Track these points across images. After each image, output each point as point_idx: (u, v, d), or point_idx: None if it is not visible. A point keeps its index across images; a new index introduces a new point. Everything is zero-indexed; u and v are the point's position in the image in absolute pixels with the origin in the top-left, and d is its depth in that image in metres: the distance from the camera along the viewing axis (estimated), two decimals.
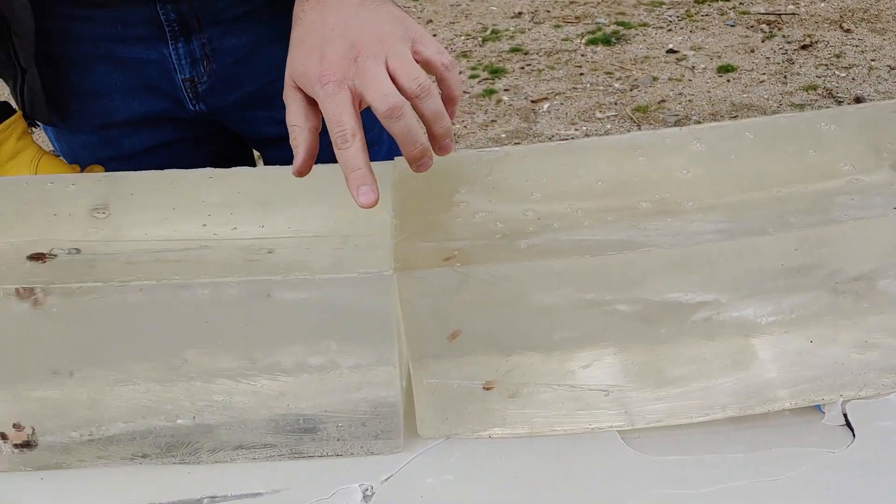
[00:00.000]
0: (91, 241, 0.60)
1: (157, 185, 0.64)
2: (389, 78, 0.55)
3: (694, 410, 0.61)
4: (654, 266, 0.56)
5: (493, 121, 2.72)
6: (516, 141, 2.57)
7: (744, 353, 0.60)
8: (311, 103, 0.58)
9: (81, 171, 0.84)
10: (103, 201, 0.64)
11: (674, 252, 0.55)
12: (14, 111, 0.76)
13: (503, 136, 2.62)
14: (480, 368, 0.59)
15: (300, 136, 0.58)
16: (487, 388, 0.59)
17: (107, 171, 0.88)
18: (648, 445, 0.60)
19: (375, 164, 0.66)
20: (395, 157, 0.67)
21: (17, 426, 0.59)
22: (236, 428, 0.60)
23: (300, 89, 0.58)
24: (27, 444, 0.60)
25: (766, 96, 2.72)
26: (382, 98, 0.54)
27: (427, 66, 0.58)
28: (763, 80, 2.82)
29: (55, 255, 0.59)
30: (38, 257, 0.58)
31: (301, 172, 0.59)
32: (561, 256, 0.55)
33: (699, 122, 2.59)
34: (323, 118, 0.57)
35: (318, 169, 0.61)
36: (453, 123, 0.58)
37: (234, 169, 0.67)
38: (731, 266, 0.57)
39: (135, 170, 0.91)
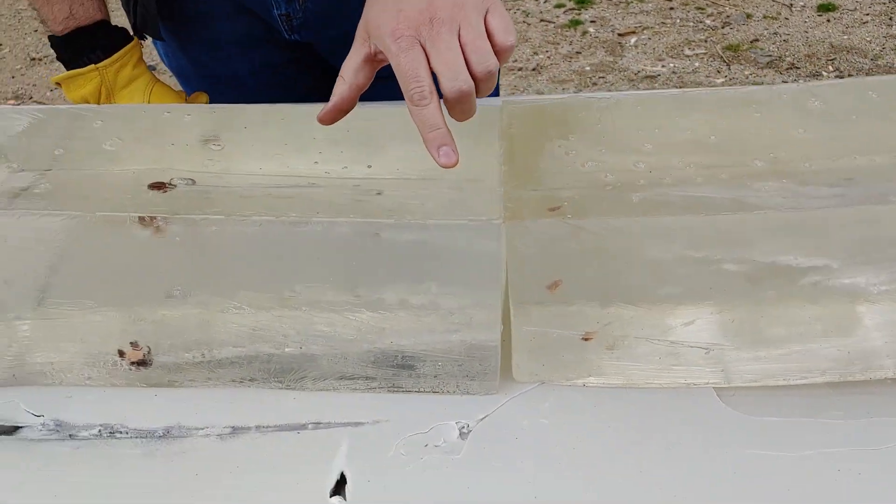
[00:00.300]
0: (207, 173, 0.62)
1: (269, 119, 0.65)
2: (462, 52, 0.53)
3: (793, 373, 0.61)
4: (768, 228, 0.55)
5: (577, 52, 2.66)
6: (601, 75, 2.51)
7: (850, 319, 0.59)
8: (369, 62, 0.58)
9: (187, 98, 0.86)
10: (217, 133, 0.65)
11: (790, 215, 0.54)
12: (131, 38, 0.78)
13: (587, 68, 2.56)
14: (580, 318, 0.59)
15: (340, 88, 0.58)
16: (586, 339, 0.60)
17: (211, 91, 0.91)
18: (744, 405, 0.60)
19: (481, 108, 0.66)
20: (502, 100, 0.67)
21: (134, 345, 0.63)
22: (339, 359, 0.62)
23: (367, 43, 0.58)
24: (143, 363, 0.63)
25: (868, 38, 2.59)
26: (453, 80, 0.52)
27: (488, 38, 0.55)
28: (866, 21, 2.68)
29: (174, 186, 0.60)
30: (158, 186, 0.60)
31: (322, 120, 0.58)
32: (674, 213, 0.55)
33: (794, 64, 2.49)
34: (374, 78, 0.56)
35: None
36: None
37: None
38: (848, 233, 0.55)
39: (238, 92, 0.94)
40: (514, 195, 0.57)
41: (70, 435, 0.61)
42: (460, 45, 0.53)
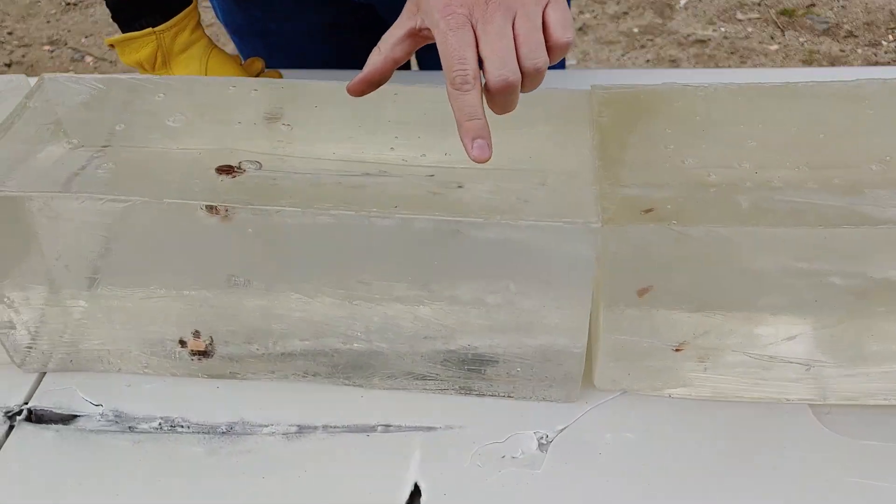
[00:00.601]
0: (275, 156, 0.58)
1: (341, 98, 0.60)
2: (513, 41, 0.49)
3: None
4: (884, 242, 0.51)
5: (624, 13, 2.57)
6: (649, 37, 2.43)
7: None
8: (412, 37, 0.54)
9: (242, 62, 0.82)
10: (286, 111, 0.61)
11: None
12: (190, 2, 0.73)
13: (635, 30, 2.47)
14: (671, 326, 0.55)
15: (374, 58, 0.55)
16: (678, 350, 0.56)
17: (265, 50, 0.87)
18: (841, 424, 0.56)
19: (568, 92, 0.62)
20: (591, 86, 0.62)
21: (196, 334, 0.60)
22: (409, 357, 0.59)
23: (416, 17, 0.53)
24: (205, 353, 0.60)
25: None
26: (500, 68, 0.48)
27: (543, 31, 0.51)
28: None
29: (243, 171, 0.57)
30: (227, 170, 0.57)
31: (350, 91, 0.56)
32: (786, 224, 0.50)
33: (852, 33, 2.39)
34: (415, 54, 0.52)
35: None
36: None
37: (418, 85, 0.63)
38: None
39: (293, 52, 0.89)
40: (608, 193, 0.53)
41: (130, 427, 0.59)
42: (513, 34, 0.49)
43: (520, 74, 0.49)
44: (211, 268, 0.57)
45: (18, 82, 0.64)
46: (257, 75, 0.81)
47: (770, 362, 0.56)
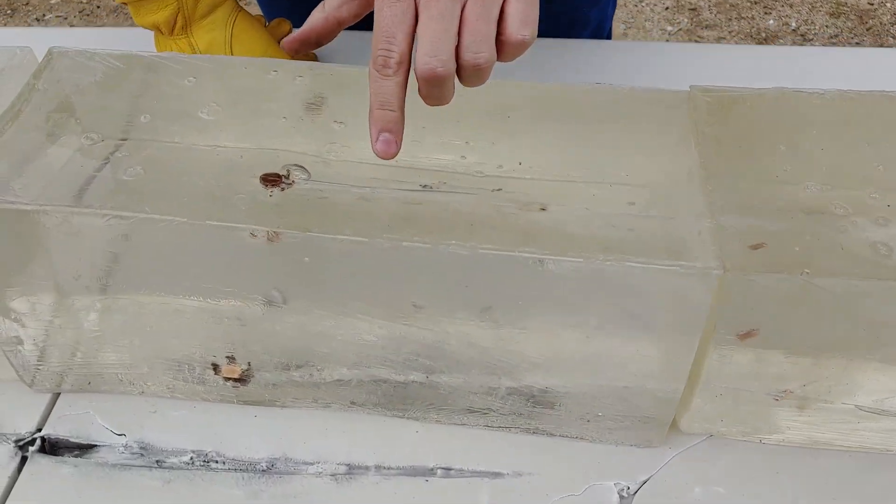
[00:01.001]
0: (324, 160, 0.50)
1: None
2: (458, 26, 0.42)
3: None
4: None
5: None
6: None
7: None
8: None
9: (267, 24, 0.73)
10: (332, 102, 0.53)
11: None
12: None
13: None
14: (777, 374, 0.49)
15: (315, 16, 0.53)
16: (780, 398, 0.50)
17: (292, 10, 0.77)
18: None
19: (662, 94, 0.54)
20: (690, 87, 0.54)
21: (230, 359, 0.53)
22: (470, 391, 0.52)
23: None
24: (240, 380, 0.53)
25: None
26: (430, 55, 0.42)
27: (499, 23, 0.43)
28: None
29: (291, 182, 0.49)
30: (272, 181, 0.49)
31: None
32: None
33: None
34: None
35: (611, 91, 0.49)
36: None
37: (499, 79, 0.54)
38: None
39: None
40: (717, 220, 0.46)
41: (157, 461, 0.52)
42: (460, 19, 0.42)
43: (453, 66, 0.42)
44: (246, 285, 0.49)
45: (24, 57, 0.55)
46: (282, 38, 0.72)
47: (879, 415, 0.50)
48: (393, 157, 0.44)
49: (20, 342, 0.53)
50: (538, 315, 0.49)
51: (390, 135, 0.44)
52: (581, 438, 0.53)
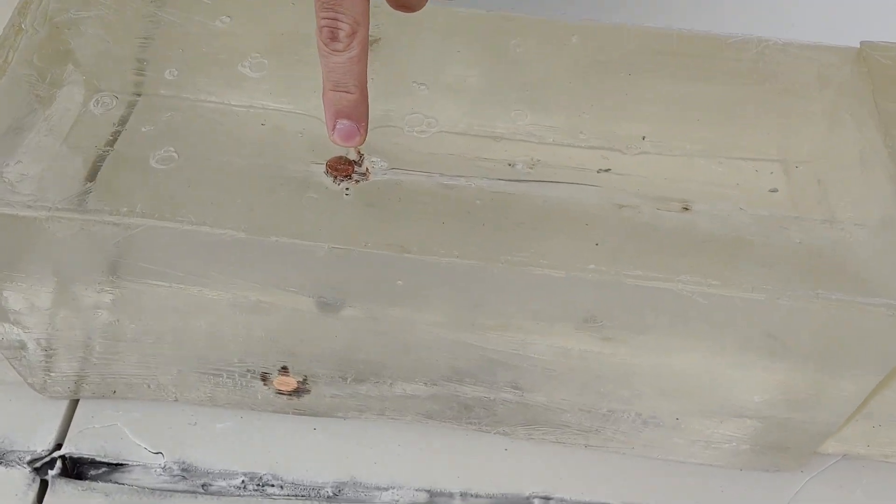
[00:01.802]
0: (395, 142, 0.39)
1: (460, 27, 0.41)
2: None
3: None
4: None
5: None
6: None
7: None
8: None
9: None
10: (391, 46, 0.42)
11: None
12: None
13: None
14: None
15: None
16: None
17: None
18: None
19: (824, 51, 0.42)
20: (861, 43, 0.43)
21: (283, 370, 0.44)
22: (571, 411, 0.44)
23: None
24: (296, 392, 0.45)
25: None
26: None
27: None
28: None
29: (367, 172, 0.38)
30: (344, 171, 0.38)
31: None
32: None
33: None
34: None
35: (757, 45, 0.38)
36: None
37: (593, 21, 0.43)
38: None
39: None
40: None
41: (203, 485, 0.44)
42: None
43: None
44: (301, 285, 0.40)
45: None
46: None
47: None
48: (357, 146, 0.37)
49: (23, 346, 0.43)
50: (660, 336, 0.40)
51: (349, 122, 0.35)
52: (699, 463, 0.46)
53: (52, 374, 0.45)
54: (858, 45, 0.42)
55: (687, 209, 0.39)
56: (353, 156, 0.38)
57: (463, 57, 0.43)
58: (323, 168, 0.38)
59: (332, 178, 0.38)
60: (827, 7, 0.56)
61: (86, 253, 0.37)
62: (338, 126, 0.36)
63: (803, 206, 0.40)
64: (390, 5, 0.37)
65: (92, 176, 0.37)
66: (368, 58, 0.35)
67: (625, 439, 0.45)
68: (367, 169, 0.38)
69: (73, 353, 0.44)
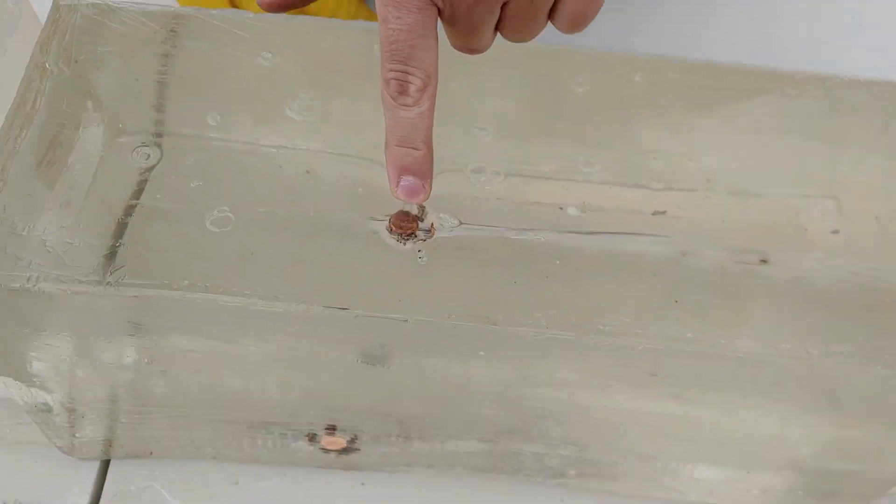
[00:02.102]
0: (464, 193, 0.37)
1: (503, 57, 0.39)
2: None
3: None
4: None
5: None
6: None
7: None
8: None
9: None
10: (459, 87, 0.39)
11: None
12: None
13: None
14: None
15: None
16: None
17: None
18: None
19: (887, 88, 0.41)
20: None
21: (329, 429, 0.41)
22: (626, 465, 0.43)
23: None
24: (345, 451, 0.43)
25: None
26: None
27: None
28: None
29: (429, 230, 0.36)
30: (407, 227, 0.35)
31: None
32: None
33: None
34: None
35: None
36: None
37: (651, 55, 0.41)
38: None
39: None
40: None
41: None
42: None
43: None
44: (349, 343, 0.37)
45: (18, 12, 0.39)
46: None
47: None
48: (420, 202, 0.35)
49: (49, 409, 0.40)
50: (728, 395, 0.38)
51: (415, 179, 0.34)
52: None
53: (77, 436, 0.42)
54: None
55: (765, 262, 0.37)
56: (414, 210, 0.36)
57: (511, 92, 0.41)
58: (385, 224, 0.36)
59: (397, 237, 0.35)
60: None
61: (111, 317, 0.35)
62: (402, 183, 0.34)
63: (862, 246, 0.39)
64: (454, 47, 0.35)
65: (120, 233, 0.34)
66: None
67: (683, 489, 0.44)
68: (431, 225, 0.36)
69: (101, 415, 0.41)
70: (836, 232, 0.40)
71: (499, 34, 0.34)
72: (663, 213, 0.39)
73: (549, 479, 0.44)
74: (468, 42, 0.33)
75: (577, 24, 0.32)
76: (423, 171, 0.34)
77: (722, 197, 0.40)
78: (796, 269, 0.37)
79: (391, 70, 0.32)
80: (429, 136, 0.33)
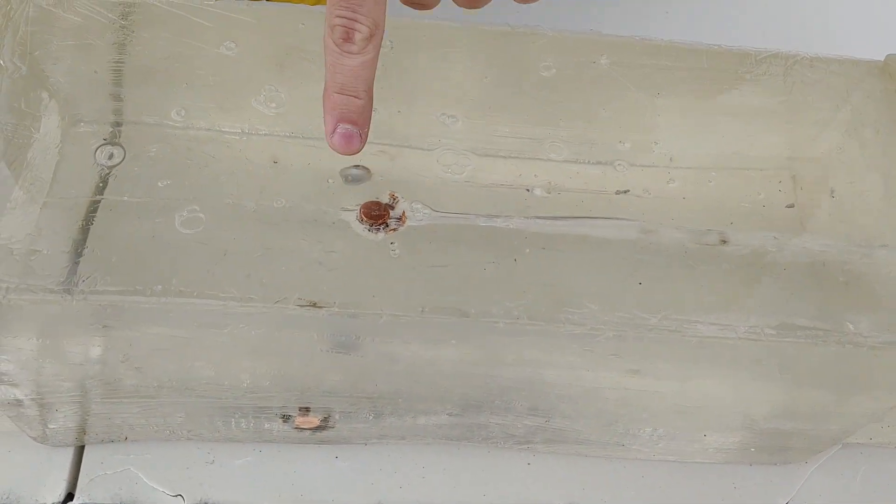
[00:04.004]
0: (437, 176, 0.38)
1: (466, 43, 0.39)
2: None
3: None
4: None
5: None
6: None
7: None
8: None
9: None
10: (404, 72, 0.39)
11: None
12: None
13: None
14: None
15: None
16: None
17: None
18: None
19: (850, 66, 0.42)
20: (887, 56, 0.43)
21: (303, 410, 0.42)
22: (590, 429, 0.44)
23: None
24: (320, 428, 0.44)
25: None
26: None
27: None
28: None
29: (400, 219, 0.36)
30: (379, 217, 0.36)
31: None
32: None
33: None
34: None
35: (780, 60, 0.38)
36: None
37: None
38: None
39: None
40: None
41: None
42: None
43: None
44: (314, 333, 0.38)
45: None
46: None
47: None
48: (355, 154, 0.34)
49: (19, 404, 0.40)
50: (687, 368, 0.40)
51: (352, 127, 0.33)
52: (713, 462, 0.47)
53: (51, 426, 0.42)
54: (884, 59, 0.42)
55: (725, 242, 0.39)
56: (385, 199, 0.37)
57: (478, 75, 0.41)
58: (355, 214, 0.36)
59: (368, 227, 0.36)
60: (860, 21, 0.56)
61: (82, 321, 0.35)
62: (339, 129, 0.33)
63: (817, 220, 0.41)
64: (403, 2, 0.35)
65: (86, 234, 0.34)
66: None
67: (643, 450, 0.46)
68: (402, 214, 0.36)
69: (72, 407, 0.41)
70: (791, 206, 0.41)
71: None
72: (626, 191, 0.40)
73: (516, 446, 0.46)
74: None
75: None
76: (361, 120, 0.33)
77: (684, 174, 0.41)
78: (753, 246, 0.38)
79: (338, 17, 0.31)
80: (370, 86, 0.33)
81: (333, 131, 0.33)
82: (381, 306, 0.33)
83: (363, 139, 0.34)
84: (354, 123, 0.33)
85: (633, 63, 0.41)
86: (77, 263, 0.33)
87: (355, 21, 0.31)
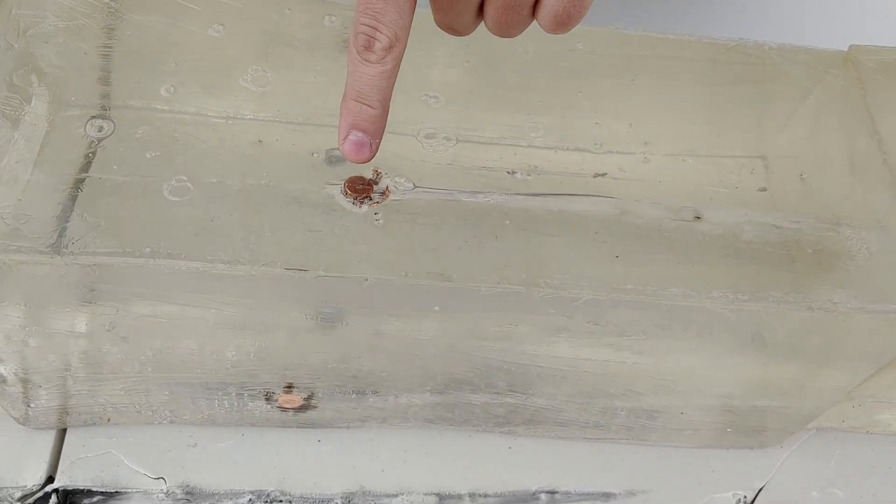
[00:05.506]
0: (411, 158, 0.39)
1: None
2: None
3: None
4: None
5: None
6: None
7: None
8: None
9: None
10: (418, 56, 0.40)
11: None
12: None
13: None
14: None
15: None
16: None
17: None
18: None
19: (812, 54, 0.44)
20: (850, 47, 0.45)
21: (287, 388, 0.43)
22: (569, 409, 0.45)
23: None
24: (302, 408, 0.44)
25: None
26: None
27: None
28: None
29: (383, 193, 0.37)
30: (362, 190, 0.37)
31: None
32: None
33: None
34: None
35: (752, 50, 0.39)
36: None
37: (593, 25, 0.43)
38: None
39: None
40: None
41: None
42: None
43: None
44: (304, 302, 0.39)
45: None
46: None
47: None
48: (364, 162, 0.34)
49: (3, 380, 0.41)
50: (660, 340, 0.41)
51: (364, 135, 0.33)
52: (691, 446, 0.48)
53: (32, 405, 0.42)
54: (847, 49, 0.44)
55: (699, 218, 0.40)
56: (369, 174, 0.37)
57: (458, 60, 0.42)
58: (339, 188, 0.37)
59: (352, 200, 0.37)
60: (815, 13, 0.58)
61: (70, 286, 0.35)
62: (350, 136, 0.34)
63: (788, 202, 0.42)
64: (439, 26, 0.35)
65: (74, 204, 0.35)
66: None
67: (622, 431, 0.47)
68: (386, 188, 0.37)
69: (54, 384, 0.41)
70: (763, 189, 0.43)
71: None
72: (604, 174, 0.42)
73: (496, 428, 0.47)
74: (448, 18, 0.33)
75: (560, 23, 0.32)
76: (373, 129, 0.34)
77: (659, 159, 0.42)
78: (727, 224, 0.40)
79: (362, 24, 0.32)
80: (386, 97, 0.33)
81: (346, 137, 0.34)
82: (366, 271, 0.34)
83: (374, 149, 0.34)
84: (366, 132, 0.33)
85: (608, 50, 0.42)
86: (66, 228, 0.33)
87: (377, 30, 0.31)
